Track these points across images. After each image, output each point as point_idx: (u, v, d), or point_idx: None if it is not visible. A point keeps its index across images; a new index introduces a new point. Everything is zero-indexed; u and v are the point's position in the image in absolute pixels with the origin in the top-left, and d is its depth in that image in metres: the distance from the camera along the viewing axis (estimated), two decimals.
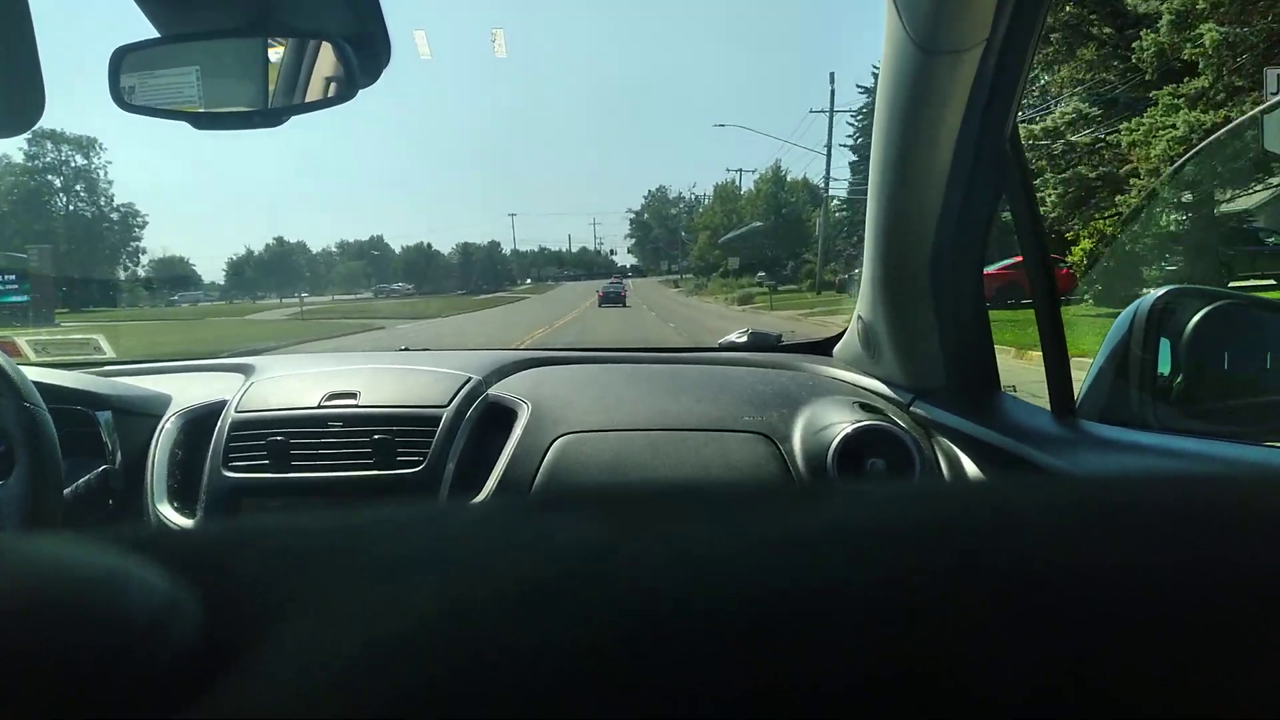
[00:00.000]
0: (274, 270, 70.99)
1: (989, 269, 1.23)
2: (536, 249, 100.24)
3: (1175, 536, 0.24)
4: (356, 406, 1.43)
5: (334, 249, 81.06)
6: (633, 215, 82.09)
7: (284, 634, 0.21)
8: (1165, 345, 1.09)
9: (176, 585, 0.22)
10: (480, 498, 1.34)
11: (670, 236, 71.08)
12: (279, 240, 75.00)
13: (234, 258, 72.84)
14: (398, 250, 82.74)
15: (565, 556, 0.23)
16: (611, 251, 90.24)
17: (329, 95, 0.89)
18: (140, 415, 1.50)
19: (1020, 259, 1.08)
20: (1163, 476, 0.32)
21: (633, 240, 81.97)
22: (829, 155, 28.21)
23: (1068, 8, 12.98)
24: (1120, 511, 0.26)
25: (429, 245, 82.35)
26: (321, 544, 0.26)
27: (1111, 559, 0.22)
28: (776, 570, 0.22)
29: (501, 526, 0.27)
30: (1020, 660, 0.19)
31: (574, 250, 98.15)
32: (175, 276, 60.56)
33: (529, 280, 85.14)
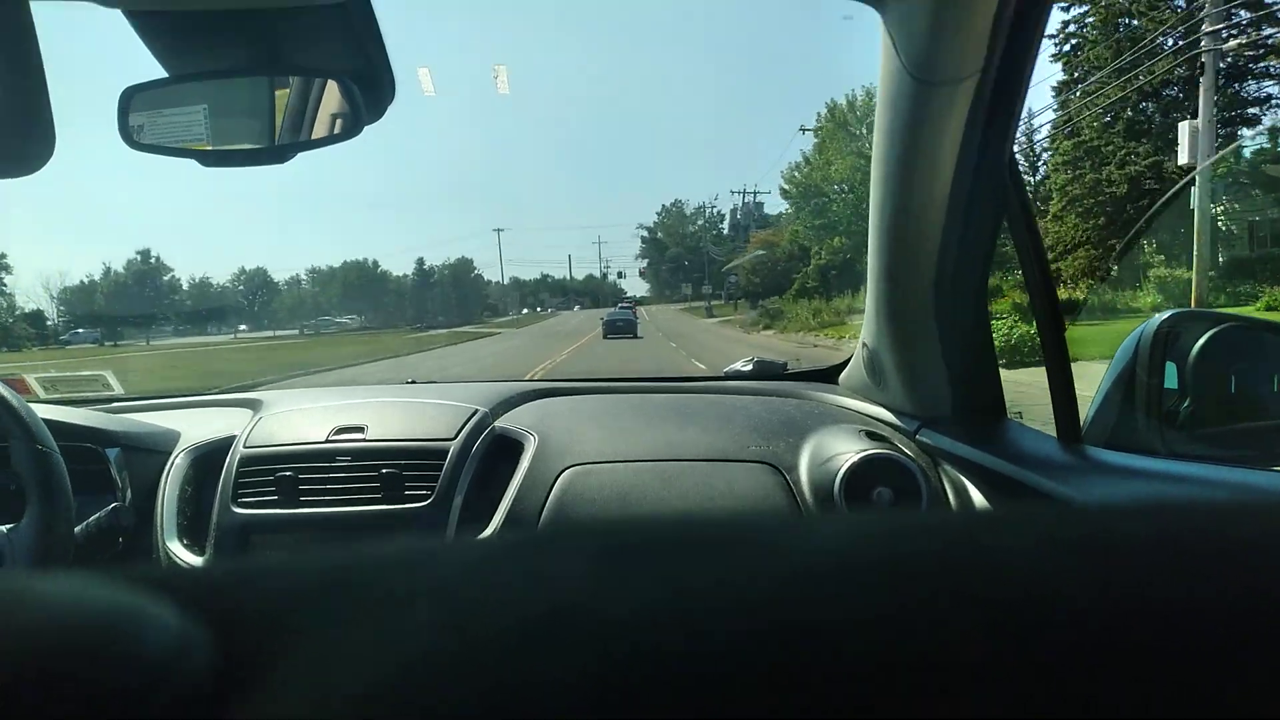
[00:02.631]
0: (136, 299, 54.08)
1: None
2: (538, 275, 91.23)
3: (1182, 567, 0.24)
4: (364, 441, 1.44)
5: (303, 276, 67.81)
6: (645, 233, 71.08)
7: (292, 671, 0.21)
8: (1171, 369, 1.08)
9: (188, 624, 0.22)
10: (488, 531, 1.34)
11: (691, 255, 61.19)
12: (143, 256, 56.91)
13: (84, 281, 55.71)
14: (390, 273, 68.33)
15: (567, 594, 0.23)
16: (620, 274, 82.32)
17: (335, 132, 0.90)
18: (149, 452, 1.51)
19: None
20: (1168, 505, 0.31)
21: (644, 261, 71.73)
22: None
23: None
24: (1127, 542, 0.26)
25: (375, 264, 67.33)
26: (327, 581, 0.26)
27: (1120, 591, 0.22)
28: (780, 606, 0.22)
29: (505, 563, 0.27)
30: (1027, 693, 0.19)
31: (579, 277, 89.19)
32: (77, 314, 50.05)
33: (524, 309, 75.44)
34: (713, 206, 68.32)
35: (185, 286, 62.35)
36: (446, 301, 66.65)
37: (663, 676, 0.19)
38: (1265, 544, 0.25)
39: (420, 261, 69.88)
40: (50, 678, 0.20)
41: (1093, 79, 20.87)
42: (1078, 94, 21.89)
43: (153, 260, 57.89)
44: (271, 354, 28.40)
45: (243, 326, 60.06)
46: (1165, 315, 1.12)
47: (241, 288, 64.75)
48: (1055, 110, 23.05)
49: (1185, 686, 0.19)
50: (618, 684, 0.19)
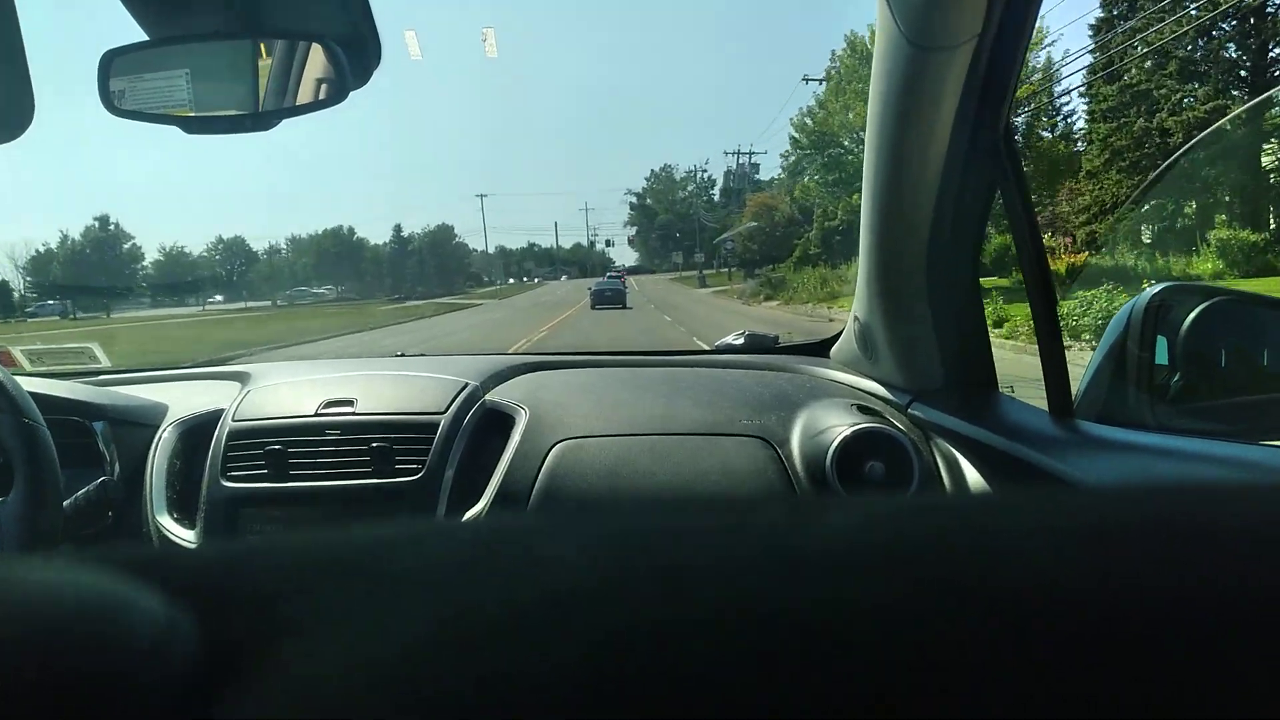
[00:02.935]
0: (95, 268, 50.53)
1: None
2: (525, 244, 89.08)
3: (1187, 553, 0.23)
4: (354, 414, 1.43)
5: (283, 245, 64.66)
6: (633, 199, 67.83)
7: (281, 656, 0.21)
8: (1162, 343, 1.08)
9: (174, 608, 0.22)
10: (479, 505, 1.34)
11: (682, 222, 58.10)
12: (102, 222, 52.33)
13: (40, 250, 52.15)
14: (367, 241, 64.33)
15: (561, 579, 0.23)
16: (608, 242, 79.49)
17: (320, 98, 0.88)
18: (137, 425, 1.50)
19: None
20: (1170, 488, 0.31)
21: (633, 229, 68.67)
22: None
23: None
24: (1131, 527, 0.25)
25: (350, 231, 63.41)
26: (317, 564, 0.26)
27: (1125, 579, 0.22)
28: (777, 593, 0.22)
29: (496, 545, 0.27)
30: (1028, 683, 0.18)
31: (566, 246, 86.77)
32: (44, 285, 47.59)
33: (510, 279, 73.12)
34: (703, 171, 66.03)
35: (159, 256, 59.62)
36: (425, 271, 62.91)
37: (657, 665, 0.19)
38: (1271, 527, 0.25)
39: (398, 228, 66.23)
40: (33, 665, 0.19)
41: (1139, 15, 18.13)
42: (1119, 33, 18.96)
43: (111, 227, 53.85)
44: (216, 330, 25.97)
45: (218, 297, 57.74)
46: (1157, 288, 1.12)
47: (219, 257, 62.39)
48: (1092, 53, 20.18)
49: (1189, 677, 0.18)
50: (611, 672, 0.19)
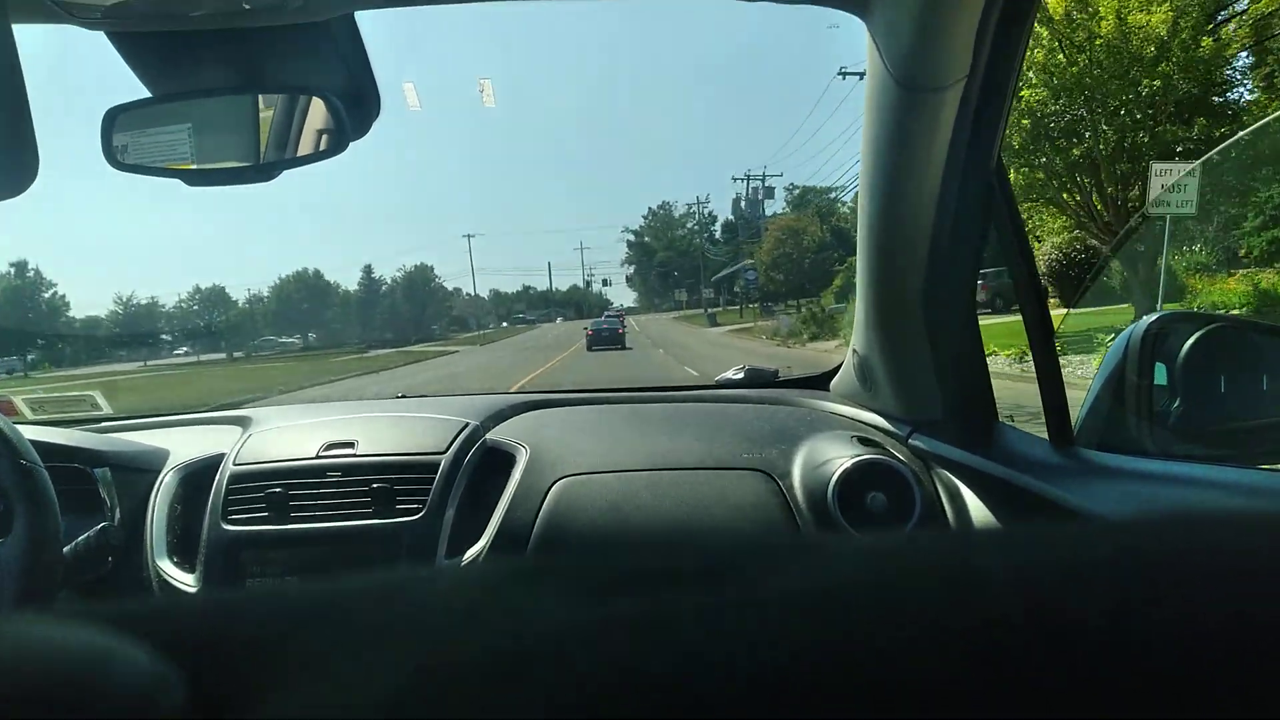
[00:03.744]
0: (9, 319, 45.97)
1: None
2: (520, 287, 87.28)
3: (1202, 585, 0.23)
4: (354, 456, 1.43)
5: (265, 292, 60.96)
6: (630, 237, 67.76)
7: (267, 706, 0.21)
8: (1161, 370, 1.09)
9: (162, 662, 0.22)
10: (479, 546, 1.33)
11: (682, 259, 56.84)
12: (18, 269, 48.13)
13: None
14: (336, 285, 60.07)
15: (545, 625, 0.23)
16: (605, 282, 78.33)
17: (320, 149, 0.90)
18: (138, 471, 1.50)
19: None
20: (1179, 518, 0.31)
21: (631, 268, 68.47)
22: None
23: None
24: (1143, 560, 0.25)
25: (316, 274, 59.91)
26: (303, 614, 0.26)
27: (1132, 607, 0.21)
28: (772, 637, 0.22)
29: (483, 593, 0.27)
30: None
31: (563, 288, 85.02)
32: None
33: (503, 322, 70.34)
34: (704, 205, 64.77)
35: (116, 308, 56.42)
36: (398, 316, 59.27)
37: (648, 710, 0.19)
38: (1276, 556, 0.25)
39: (368, 269, 63.24)
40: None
41: None
42: None
43: (29, 274, 49.13)
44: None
45: (184, 349, 54.84)
46: (1154, 316, 1.13)
47: (197, 307, 59.63)
48: None
49: (1195, 708, 0.18)
50: (601, 717, 0.19)
